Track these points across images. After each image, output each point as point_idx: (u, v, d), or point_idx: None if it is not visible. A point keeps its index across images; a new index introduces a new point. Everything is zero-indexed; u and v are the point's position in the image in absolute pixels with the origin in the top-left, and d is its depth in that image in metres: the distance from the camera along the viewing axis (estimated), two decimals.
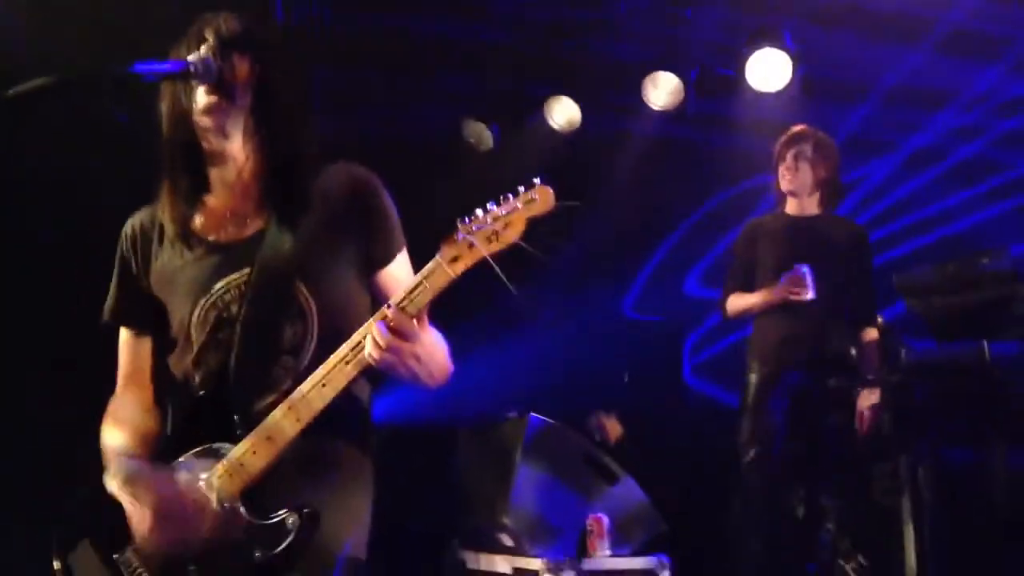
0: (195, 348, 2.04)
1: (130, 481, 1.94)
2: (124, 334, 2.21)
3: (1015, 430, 3.83)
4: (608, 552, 4.02)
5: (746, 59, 5.27)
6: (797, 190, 4.50)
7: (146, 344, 2.19)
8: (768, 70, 5.26)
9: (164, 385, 2.16)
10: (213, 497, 1.92)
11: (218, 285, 2.03)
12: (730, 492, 4.46)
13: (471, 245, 1.81)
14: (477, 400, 5.01)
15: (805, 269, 4.26)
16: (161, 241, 2.12)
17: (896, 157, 6.00)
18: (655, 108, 5.66)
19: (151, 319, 2.14)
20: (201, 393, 2.02)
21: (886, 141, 5.96)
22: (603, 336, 6.21)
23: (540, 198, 1.82)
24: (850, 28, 5.22)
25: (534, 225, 1.81)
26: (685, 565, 4.15)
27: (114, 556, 1.98)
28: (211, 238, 2.08)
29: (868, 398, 4.24)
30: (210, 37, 2.00)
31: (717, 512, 4.52)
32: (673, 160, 6.04)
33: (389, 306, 1.84)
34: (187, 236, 2.08)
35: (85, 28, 4.06)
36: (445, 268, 1.82)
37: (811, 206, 4.53)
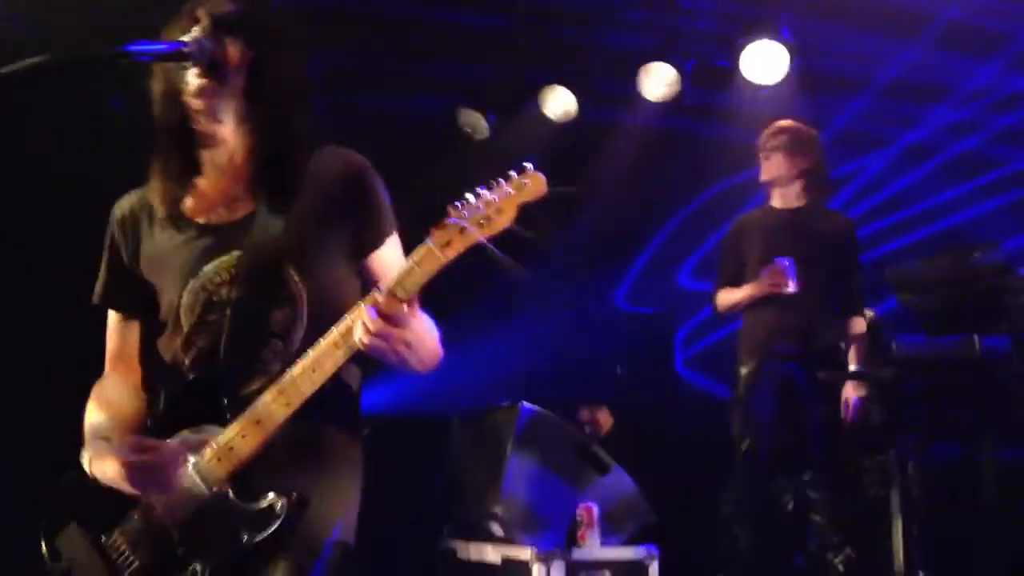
0: (184, 331, 2.03)
1: (99, 455, 1.96)
2: (113, 316, 2.20)
3: (1005, 424, 3.85)
4: (598, 542, 4.03)
5: (742, 51, 5.26)
6: (773, 180, 4.52)
7: (134, 327, 2.18)
8: (765, 62, 5.25)
9: (152, 368, 2.15)
10: (195, 475, 1.91)
11: (208, 268, 2.02)
12: (720, 484, 4.47)
13: (462, 230, 1.78)
14: (469, 389, 5.01)
15: (787, 262, 4.26)
16: (151, 223, 2.10)
17: (891, 151, 6.00)
18: (651, 99, 5.64)
19: (140, 302, 2.13)
20: (190, 376, 2.01)
21: (882, 135, 5.97)
22: (596, 327, 6.21)
23: (532, 183, 1.81)
24: (848, 21, 5.22)
25: (526, 211, 1.80)
26: (674, 556, 4.16)
27: (101, 539, 1.98)
28: (201, 220, 2.06)
29: (853, 387, 4.25)
30: (204, 18, 1.97)
31: (707, 503, 4.53)
32: (668, 151, 6.03)
33: (379, 290, 1.82)
34: (177, 218, 2.07)
35: (84, 13, 4.05)
36: (436, 253, 1.79)
37: (795, 198, 4.52)
